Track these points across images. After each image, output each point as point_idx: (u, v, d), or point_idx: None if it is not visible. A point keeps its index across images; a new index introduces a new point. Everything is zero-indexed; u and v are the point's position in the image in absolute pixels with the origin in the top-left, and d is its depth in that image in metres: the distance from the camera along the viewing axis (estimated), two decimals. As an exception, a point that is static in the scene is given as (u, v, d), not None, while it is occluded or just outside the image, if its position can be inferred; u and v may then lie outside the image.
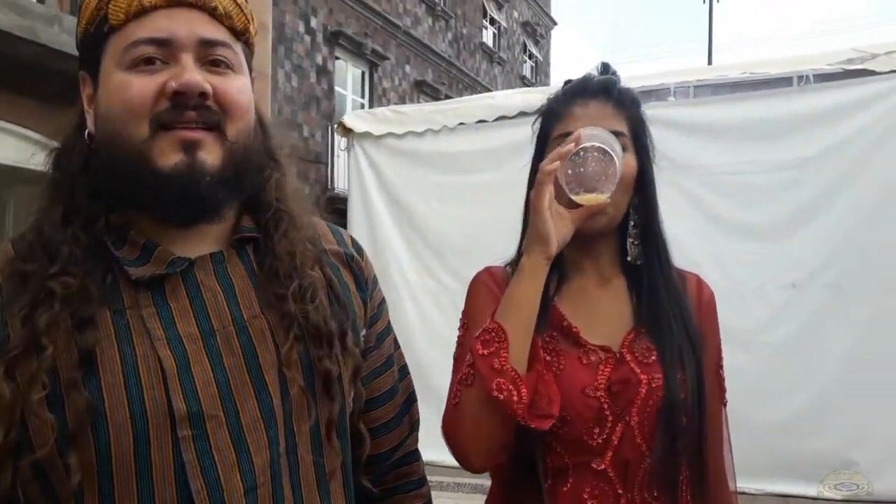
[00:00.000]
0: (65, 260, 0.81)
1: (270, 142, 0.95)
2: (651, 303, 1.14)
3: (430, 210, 5.03)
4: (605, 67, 1.24)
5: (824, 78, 3.54)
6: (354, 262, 1.00)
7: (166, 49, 0.82)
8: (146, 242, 0.85)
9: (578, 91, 1.18)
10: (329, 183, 11.29)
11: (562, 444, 1.08)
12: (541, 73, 23.49)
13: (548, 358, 1.09)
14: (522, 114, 4.51)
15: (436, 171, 4.96)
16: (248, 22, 0.90)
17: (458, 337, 1.20)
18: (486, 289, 1.18)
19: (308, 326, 0.86)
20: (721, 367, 1.22)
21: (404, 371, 1.09)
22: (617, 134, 1.12)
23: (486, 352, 1.02)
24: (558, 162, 1.04)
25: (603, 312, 1.16)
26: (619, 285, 1.18)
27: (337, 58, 12.01)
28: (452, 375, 1.12)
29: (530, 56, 22.66)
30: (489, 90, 16.42)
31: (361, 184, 5.23)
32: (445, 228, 4.95)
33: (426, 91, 14.80)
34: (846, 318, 3.65)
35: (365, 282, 1.01)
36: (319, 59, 11.52)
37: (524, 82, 21.04)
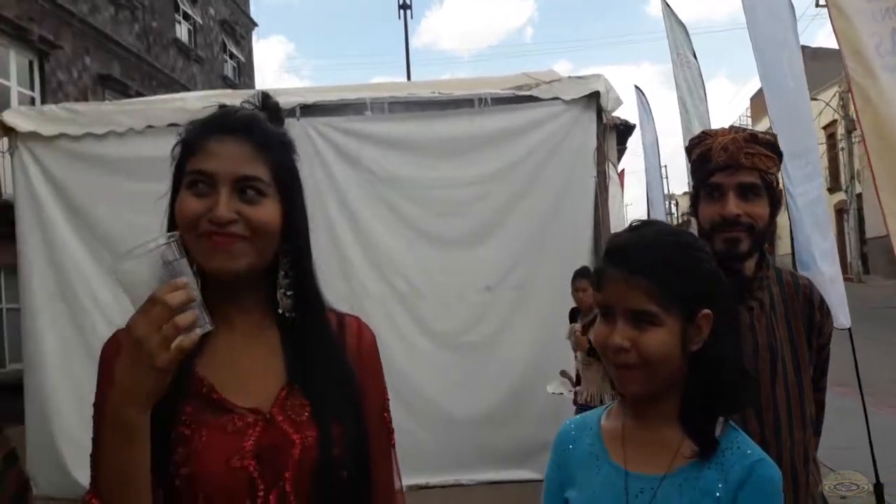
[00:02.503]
0: None
1: None
2: (304, 356, 1.09)
3: (122, 222, 4.48)
4: (265, 98, 1.15)
5: (499, 101, 3.91)
6: None
7: None
8: None
9: (216, 125, 1.07)
10: (-8, 188, 9.62)
11: None
12: (244, 75, 22.78)
13: (187, 433, 0.99)
14: (219, 119, 4.29)
15: (124, 177, 4.44)
16: None
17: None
18: (109, 375, 0.98)
19: None
20: (387, 410, 1.19)
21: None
22: (252, 178, 1.05)
23: None
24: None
25: (253, 370, 1.08)
26: (271, 338, 1.11)
27: (-4, 43, 10.29)
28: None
29: (231, 56, 21.85)
30: (188, 89, 15.46)
31: (31, 190, 4.50)
32: (133, 239, 4.47)
33: (113, 86, 13.39)
34: (531, 315, 4.10)
35: None
36: (-28, 43, 9.76)
37: (226, 83, 20.20)
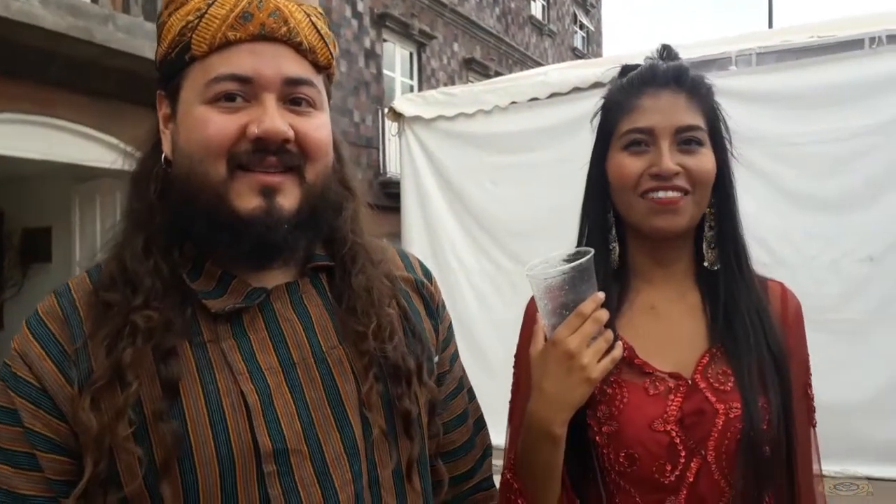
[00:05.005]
0: (147, 292, 0.80)
1: (345, 171, 0.93)
2: (728, 318, 1.03)
3: (483, 192, 4.98)
4: (668, 51, 1.12)
5: (899, 38, 3.32)
6: (425, 289, 0.98)
7: (249, 86, 0.80)
8: (222, 274, 0.84)
9: (647, 80, 1.06)
10: (381, 167, 11.31)
11: (631, 483, 1.00)
12: (592, 44, 22.99)
13: (609, 391, 1.01)
14: (576, 90, 4.40)
15: (488, 151, 4.89)
16: (332, 56, 0.88)
17: (513, 376, 1.14)
18: (531, 330, 1.08)
19: (387, 366, 0.84)
20: (810, 385, 1.10)
21: (472, 394, 1.07)
22: (693, 128, 1.03)
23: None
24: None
25: (674, 333, 1.05)
26: (693, 300, 1.07)
27: (384, 40, 11.95)
28: (508, 429, 1.10)
29: (581, 27, 22.18)
30: (540, 64, 16.15)
31: (413, 167, 5.21)
32: (499, 210, 4.89)
33: (475, 69, 14.64)
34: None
35: (435, 307, 0.99)
36: (367, 43, 11.49)
37: (575, 54, 20.62)
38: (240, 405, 0.78)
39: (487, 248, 5.07)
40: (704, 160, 1.03)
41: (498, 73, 13.98)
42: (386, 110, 5.71)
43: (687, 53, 3.90)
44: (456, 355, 1.03)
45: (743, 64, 3.65)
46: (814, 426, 1.10)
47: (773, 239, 3.74)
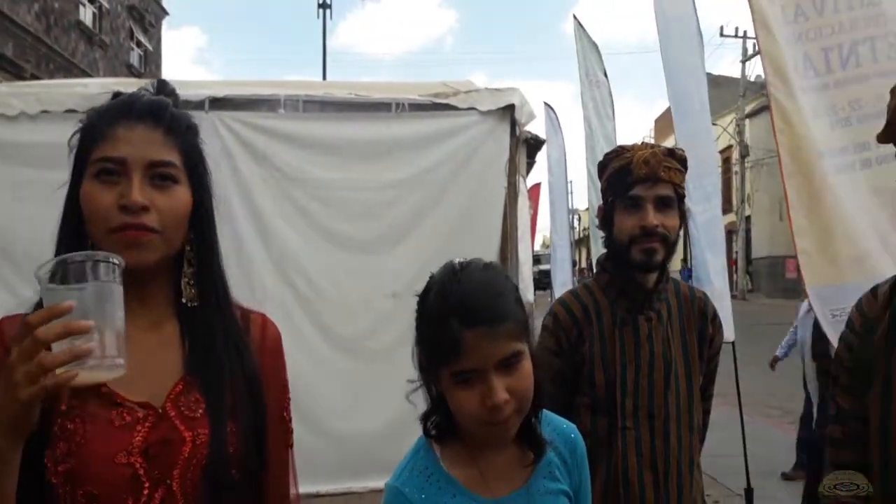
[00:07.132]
0: None
1: None
2: (204, 349, 1.06)
3: (4, 210, 4.23)
4: (162, 85, 1.14)
5: (417, 108, 3.92)
6: None
7: None
8: None
9: (124, 111, 1.05)
10: None
11: None
12: (151, 64, 21.91)
13: (71, 427, 0.95)
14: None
15: (9, 162, 4.19)
16: None
17: None
18: None
19: None
20: (286, 408, 1.17)
21: None
22: (167, 164, 1.04)
23: None
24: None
25: (148, 363, 1.04)
26: (171, 330, 1.08)
27: None
28: None
29: (138, 44, 20.96)
30: (89, 75, 14.71)
31: None
32: (22, 231, 4.21)
33: (6, 68, 12.58)
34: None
35: None
36: None
37: (131, 71, 19.40)
38: None
39: (5, 275, 4.31)
40: (176, 198, 1.05)
41: (35, 77, 12.28)
42: None
43: (238, 90, 3.97)
44: None
45: (291, 108, 3.87)
46: (290, 447, 1.18)
47: (316, 275, 4.02)
